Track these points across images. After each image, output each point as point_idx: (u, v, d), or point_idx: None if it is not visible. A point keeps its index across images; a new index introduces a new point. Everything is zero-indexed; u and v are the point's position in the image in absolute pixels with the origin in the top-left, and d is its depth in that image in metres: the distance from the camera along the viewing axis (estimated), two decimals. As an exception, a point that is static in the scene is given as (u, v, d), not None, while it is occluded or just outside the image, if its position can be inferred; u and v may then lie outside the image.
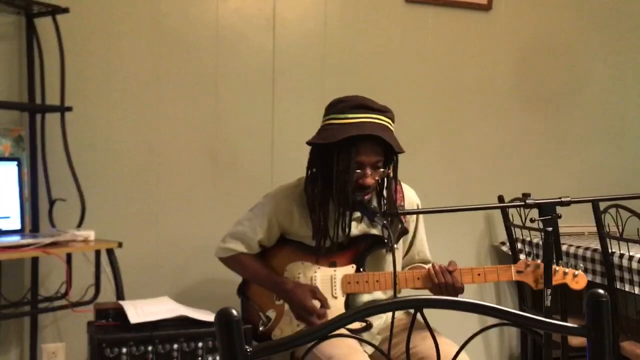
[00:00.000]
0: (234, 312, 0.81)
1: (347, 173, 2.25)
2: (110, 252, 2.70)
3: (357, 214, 2.43)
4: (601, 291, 0.98)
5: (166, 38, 3.10)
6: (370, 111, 2.28)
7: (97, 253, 2.74)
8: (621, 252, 2.85)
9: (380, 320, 2.47)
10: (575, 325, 0.98)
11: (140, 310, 2.35)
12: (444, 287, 2.30)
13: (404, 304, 0.90)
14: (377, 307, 0.91)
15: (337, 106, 2.32)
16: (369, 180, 2.28)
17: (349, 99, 2.32)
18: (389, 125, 2.30)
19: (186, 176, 3.13)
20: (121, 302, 2.45)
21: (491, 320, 0.96)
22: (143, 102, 3.07)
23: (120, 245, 2.68)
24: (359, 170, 2.27)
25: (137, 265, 2.99)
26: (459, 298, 0.91)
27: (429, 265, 2.39)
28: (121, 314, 2.34)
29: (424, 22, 3.51)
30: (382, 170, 2.32)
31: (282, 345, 0.83)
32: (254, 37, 3.23)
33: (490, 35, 3.62)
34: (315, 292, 2.34)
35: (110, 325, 2.34)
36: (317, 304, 2.33)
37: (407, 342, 0.94)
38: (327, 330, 0.90)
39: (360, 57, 3.39)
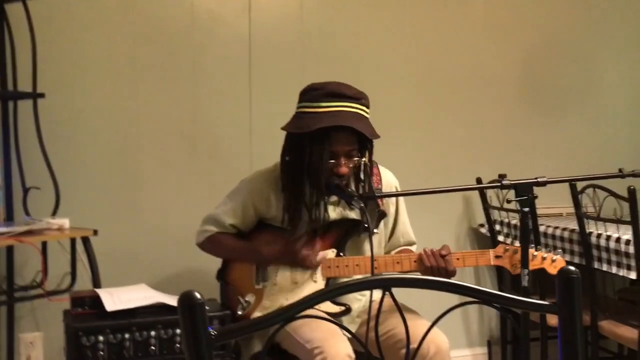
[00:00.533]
0: (197, 295, 0.79)
1: (321, 163, 2.25)
2: (85, 240, 2.67)
3: (335, 198, 2.43)
4: (572, 268, 0.97)
5: (141, 23, 3.06)
6: (344, 99, 2.27)
7: (73, 241, 2.71)
8: (598, 232, 2.86)
9: (359, 304, 2.48)
10: (546, 302, 0.97)
11: (117, 298, 2.33)
12: (436, 270, 2.30)
13: (372, 284, 0.89)
14: (345, 287, 0.90)
15: (310, 94, 2.31)
16: (343, 169, 2.28)
17: (323, 86, 2.31)
18: (363, 113, 2.29)
19: (163, 163, 3.10)
20: (97, 290, 2.43)
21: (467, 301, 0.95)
22: (118, 88, 3.03)
23: (95, 233, 2.66)
24: (332, 160, 2.27)
25: (114, 253, 2.96)
26: (429, 277, 0.90)
27: (421, 249, 2.38)
28: (97, 302, 2.32)
29: (403, 4, 3.49)
30: (356, 158, 2.32)
31: (247, 328, 0.82)
32: (230, 21, 3.20)
33: (466, 19, 3.60)
34: (296, 240, 2.34)
35: (86, 313, 2.32)
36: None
37: (376, 322, 0.93)
38: (294, 312, 0.89)
39: (339, 41, 3.37)
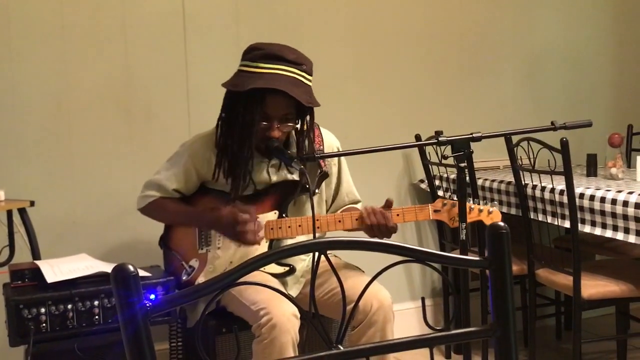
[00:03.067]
0: (131, 267, 0.79)
1: (252, 124, 2.25)
2: (22, 211, 2.61)
3: (276, 161, 2.43)
4: (501, 224, 1.00)
5: (68, -15, 2.95)
6: (283, 62, 2.25)
7: (9, 213, 2.65)
8: (534, 183, 2.94)
9: (303, 263, 2.51)
10: (476, 258, 1.00)
11: (58, 269, 2.30)
12: (377, 227, 2.33)
13: (306, 247, 0.90)
14: (281, 252, 0.91)
15: (252, 53, 2.30)
16: (275, 133, 2.29)
17: (265, 47, 2.29)
18: (301, 79, 2.28)
19: (99, 129, 3.03)
20: (37, 262, 2.39)
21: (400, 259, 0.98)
22: (47, 53, 2.93)
23: (32, 204, 2.60)
24: (265, 123, 2.27)
25: (53, 223, 2.91)
26: (362, 238, 0.92)
27: (361, 207, 2.41)
28: (38, 273, 2.29)
29: (336, -38, 3.46)
30: (291, 124, 2.32)
31: (186, 297, 0.82)
32: (161, -18, 3.12)
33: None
34: (238, 208, 2.32)
35: (26, 285, 2.28)
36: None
37: (312, 283, 0.95)
38: (234, 277, 0.89)
39: (274, 0, 3.32)
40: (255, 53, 2.29)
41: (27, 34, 2.90)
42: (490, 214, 2.38)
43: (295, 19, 3.37)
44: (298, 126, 2.39)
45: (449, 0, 3.72)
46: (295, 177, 2.45)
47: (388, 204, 2.36)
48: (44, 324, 2.17)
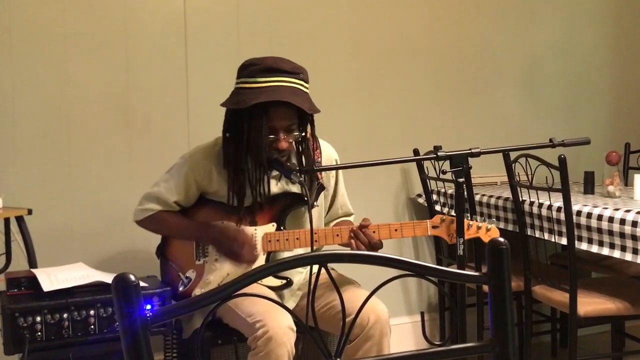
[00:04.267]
0: (132, 277, 0.79)
1: (260, 138, 2.25)
2: (20, 219, 2.61)
3: (276, 173, 2.43)
4: (501, 239, 1.01)
5: (70, -6, 2.96)
6: (281, 74, 2.26)
7: (7, 221, 2.64)
8: (531, 199, 2.94)
9: (300, 276, 2.51)
10: (476, 274, 1.00)
11: (54, 278, 2.30)
12: (365, 247, 2.35)
13: (308, 260, 0.90)
14: (281, 264, 0.91)
15: (248, 69, 2.30)
16: (282, 144, 2.29)
17: (260, 62, 2.30)
18: (301, 87, 2.29)
19: (99, 138, 3.04)
20: (33, 270, 2.38)
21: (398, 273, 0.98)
22: (49, 60, 2.93)
23: (30, 212, 2.60)
24: (272, 136, 2.27)
25: (50, 232, 2.90)
26: (364, 252, 0.92)
27: (360, 220, 2.41)
28: (34, 282, 2.28)
29: (337, -24, 3.48)
30: (296, 133, 2.33)
31: (184, 308, 0.82)
32: (163, -7, 3.13)
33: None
34: (241, 231, 2.35)
35: (22, 294, 2.28)
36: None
37: (310, 297, 0.95)
38: (232, 290, 0.89)
39: (274, 12, 3.34)
40: (252, 69, 2.29)
41: (28, 41, 2.90)
42: (488, 231, 2.38)
43: (296, 31, 3.38)
44: (304, 134, 2.40)
45: (448, 16, 3.74)
46: (295, 189, 2.46)
47: (363, 225, 2.36)
48: (39, 333, 2.16)
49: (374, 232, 2.37)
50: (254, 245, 2.36)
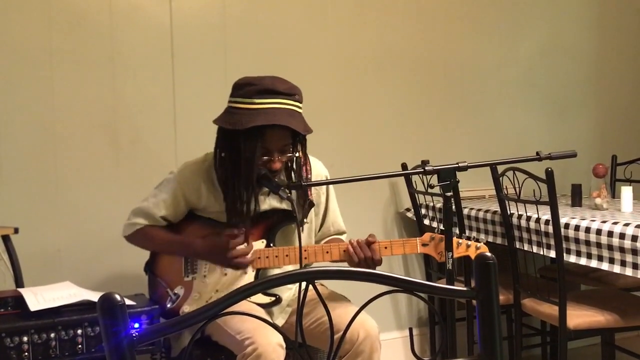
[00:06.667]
0: (117, 296, 0.79)
1: (254, 159, 2.25)
2: (6, 238, 2.59)
3: (265, 189, 2.43)
4: (488, 254, 1.01)
5: (56, 10, 2.95)
6: (277, 96, 2.26)
7: (-7, 240, 2.63)
8: (519, 212, 2.95)
9: (289, 292, 2.50)
10: (463, 288, 1.00)
11: (41, 297, 2.28)
12: (364, 261, 2.34)
13: (296, 277, 0.89)
14: (270, 282, 0.90)
15: (245, 89, 2.28)
16: (277, 165, 2.30)
17: (257, 82, 2.28)
18: (296, 109, 2.29)
19: (86, 156, 3.02)
20: (20, 290, 2.36)
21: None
22: (35, 79, 2.92)
23: (16, 231, 2.58)
24: (266, 157, 2.27)
25: (37, 251, 2.88)
26: (350, 268, 0.92)
27: (348, 241, 2.40)
28: (21, 301, 2.26)
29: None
30: (290, 154, 2.33)
31: (172, 327, 0.82)
32: (150, 10, 3.13)
33: (388, 5, 3.64)
34: (229, 235, 2.33)
35: (9, 314, 2.26)
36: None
37: (300, 313, 0.94)
38: (221, 307, 0.89)
39: (261, 29, 3.35)
40: (249, 89, 2.27)
41: (13, 60, 2.89)
42: (477, 249, 2.38)
43: (282, 48, 3.39)
44: (297, 154, 2.40)
45: (434, 31, 3.76)
46: (284, 205, 2.45)
47: (370, 242, 2.35)
48: (26, 353, 2.14)
49: (385, 247, 2.36)
50: (247, 250, 2.35)
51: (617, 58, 4.30)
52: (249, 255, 2.35)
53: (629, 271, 2.48)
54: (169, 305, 2.44)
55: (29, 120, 2.92)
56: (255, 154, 2.25)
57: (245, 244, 2.35)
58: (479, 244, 2.39)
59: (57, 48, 2.95)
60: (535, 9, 4.03)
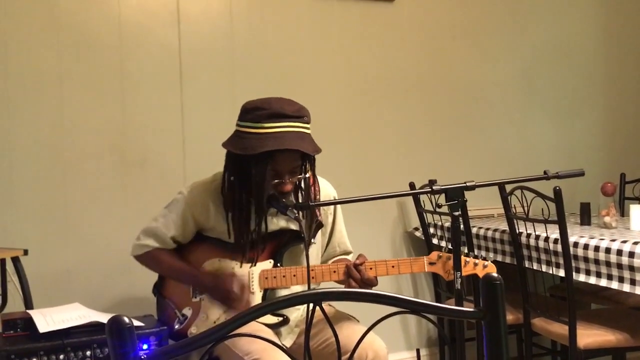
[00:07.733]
0: (126, 319, 0.79)
1: (264, 183, 2.26)
2: (15, 260, 2.60)
3: (273, 210, 2.43)
4: (495, 275, 1.01)
5: (67, 35, 3.00)
6: (287, 119, 2.26)
7: (2, 262, 2.64)
8: (528, 231, 2.94)
9: (297, 313, 2.49)
10: (470, 309, 1.00)
11: (50, 319, 2.28)
12: (360, 282, 2.34)
13: (302, 299, 0.90)
14: (277, 304, 0.91)
15: (253, 113, 2.28)
16: (288, 187, 2.30)
17: (265, 106, 2.28)
18: (305, 131, 2.30)
19: (95, 177, 3.05)
20: (30, 312, 2.36)
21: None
22: (44, 101, 2.96)
23: (26, 252, 2.59)
24: (276, 180, 2.28)
25: (46, 272, 2.90)
26: (357, 289, 0.92)
27: (357, 255, 2.41)
28: (30, 323, 2.27)
29: (329, 15, 3.53)
30: (299, 175, 2.34)
31: (180, 348, 0.82)
32: (158, 33, 3.17)
33: (393, 26, 3.67)
34: (235, 279, 2.35)
35: (18, 335, 2.26)
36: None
37: (307, 335, 0.94)
38: (229, 329, 0.89)
39: (268, 51, 3.38)
40: (258, 113, 2.27)
41: (24, 82, 2.93)
42: (485, 267, 2.37)
43: (290, 70, 3.41)
44: (307, 175, 2.41)
45: (442, 51, 3.78)
46: (292, 226, 2.46)
47: (357, 264, 2.36)
48: (35, 375, 2.14)
49: (370, 268, 2.36)
50: (248, 295, 2.37)
51: (625, 77, 4.30)
52: (252, 290, 2.37)
53: (639, 290, 2.47)
54: (177, 327, 2.44)
55: (39, 142, 2.95)
56: (265, 177, 2.26)
57: (252, 279, 2.37)
58: (486, 262, 2.38)
59: (66, 71, 2.99)
60: (540, 27, 4.04)
